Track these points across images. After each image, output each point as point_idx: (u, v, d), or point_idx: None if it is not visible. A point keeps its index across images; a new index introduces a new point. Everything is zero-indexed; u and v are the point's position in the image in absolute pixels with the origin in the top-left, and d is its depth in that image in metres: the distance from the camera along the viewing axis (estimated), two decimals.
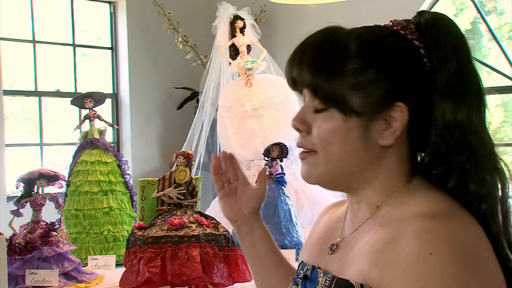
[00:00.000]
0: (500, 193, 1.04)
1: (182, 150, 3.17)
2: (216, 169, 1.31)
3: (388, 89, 1.03)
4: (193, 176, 2.93)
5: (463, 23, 5.01)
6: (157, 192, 2.85)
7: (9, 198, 4.52)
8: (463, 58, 1.05)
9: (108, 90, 5.47)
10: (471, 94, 1.04)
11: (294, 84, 1.09)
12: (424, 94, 1.04)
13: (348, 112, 1.03)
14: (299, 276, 1.16)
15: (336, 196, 3.59)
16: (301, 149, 1.10)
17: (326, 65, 1.04)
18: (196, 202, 2.89)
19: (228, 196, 1.32)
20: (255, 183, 1.32)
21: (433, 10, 4.86)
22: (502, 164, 1.05)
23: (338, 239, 1.13)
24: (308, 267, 1.14)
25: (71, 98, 3.52)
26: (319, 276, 1.10)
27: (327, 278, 1.07)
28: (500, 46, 4.69)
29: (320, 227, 1.24)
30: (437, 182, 1.07)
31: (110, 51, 5.56)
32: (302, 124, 1.08)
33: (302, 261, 1.19)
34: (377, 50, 1.04)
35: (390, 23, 1.09)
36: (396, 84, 1.03)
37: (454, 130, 1.03)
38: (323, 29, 1.09)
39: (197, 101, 5.08)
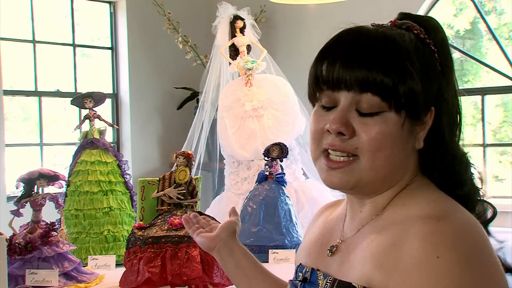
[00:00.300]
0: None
1: (182, 150, 3.17)
2: (188, 221, 1.42)
3: (428, 94, 1.03)
4: (193, 176, 2.93)
5: (462, 23, 5.01)
6: (157, 192, 2.85)
7: (9, 198, 4.52)
8: (452, 59, 1.10)
9: (108, 90, 5.47)
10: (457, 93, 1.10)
11: (341, 83, 1.01)
12: (439, 97, 1.06)
13: (413, 115, 1.01)
14: (298, 279, 1.14)
15: (336, 196, 3.59)
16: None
17: (399, 67, 0.99)
18: (196, 202, 2.89)
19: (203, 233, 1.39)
20: (229, 216, 1.41)
21: (433, 10, 4.86)
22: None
23: (338, 241, 1.12)
24: (307, 270, 1.13)
25: (71, 98, 3.52)
26: (319, 278, 1.09)
27: (328, 281, 1.06)
28: (500, 46, 4.69)
29: (317, 228, 1.23)
30: (437, 180, 1.08)
31: (110, 51, 5.56)
32: (346, 127, 1.01)
33: (300, 264, 1.18)
34: (419, 55, 1.03)
35: (390, 23, 1.09)
36: (432, 89, 1.04)
37: (457, 130, 1.08)
38: (360, 28, 1.04)
39: (197, 101, 5.08)
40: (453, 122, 1.07)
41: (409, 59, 1.00)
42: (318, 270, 1.11)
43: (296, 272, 1.18)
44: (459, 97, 1.09)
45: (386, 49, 1.00)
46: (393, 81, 0.98)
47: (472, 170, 1.09)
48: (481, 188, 1.10)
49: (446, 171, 1.07)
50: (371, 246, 1.01)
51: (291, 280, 1.18)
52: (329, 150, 1.03)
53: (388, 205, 1.06)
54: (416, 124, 1.03)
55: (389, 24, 1.09)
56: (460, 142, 1.09)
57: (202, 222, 1.42)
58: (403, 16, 1.11)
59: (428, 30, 1.07)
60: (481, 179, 1.10)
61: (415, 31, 1.06)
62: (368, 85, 0.99)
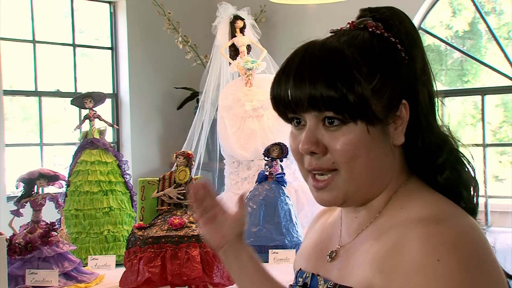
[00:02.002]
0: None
1: (182, 150, 3.17)
2: (196, 195, 1.22)
3: (394, 89, 1.03)
4: (193, 176, 2.93)
5: (461, 24, 5.01)
6: (157, 192, 2.85)
7: (9, 198, 4.52)
8: (421, 43, 1.09)
9: (108, 90, 5.47)
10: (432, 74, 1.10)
11: (298, 105, 1.03)
12: (412, 87, 1.05)
13: (372, 120, 1.01)
14: (299, 284, 1.14)
15: None
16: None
17: (344, 76, 1.00)
18: None
19: (209, 224, 1.23)
20: (237, 205, 1.25)
21: (432, 10, 4.85)
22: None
23: (337, 246, 1.11)
24: (307, 275, 1.13)
25: (71, 98, 3.52)
26: (319, 283, 1.09)
27: (328, 286, 1.06)
28: (500, 46, 4.69)
29: (315, 233, 1.22)
30: (430, 179, 1.08)
31: (110, 51, 5.56)
32: (317, 146, 1.02)
33: (300, 269, 1.17)
34: (373, 55, 1.03)
35: (349, 25, 1.10)
36: (398, 83, 1.04)
37: (433, 114, 1.08)
38: (308, 44, 1.06)
39: (197, 101, 5.08)
40: (429, 108, 1.07)
41: (356, 66, 1.00)
42: (318, 275, 1.11)
43: (296, 277, 1.17)
44: (433, 83, 1.08)
45: (329, 63, 1.00)
46: (340, 93, 0.99)
47: (466, 161, 1.08)
48: (475, 179, 1.08)
49: (423, 155, 1.06)
50: (371, 251, 1.01)
51: (291, 285, 1.17)
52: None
53: (384, 209, 1.06)
54: (387, 123, 1.03)
55: (347, 26, 1.09)
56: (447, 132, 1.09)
57: (207, 202, 1.22)
58: (363, 12, 1.11)
59: (387, 21, 1.07)
60: (472, 168, 1.08)
61: (370, 29, 1.06)
62: (318, 102, 1.00)
